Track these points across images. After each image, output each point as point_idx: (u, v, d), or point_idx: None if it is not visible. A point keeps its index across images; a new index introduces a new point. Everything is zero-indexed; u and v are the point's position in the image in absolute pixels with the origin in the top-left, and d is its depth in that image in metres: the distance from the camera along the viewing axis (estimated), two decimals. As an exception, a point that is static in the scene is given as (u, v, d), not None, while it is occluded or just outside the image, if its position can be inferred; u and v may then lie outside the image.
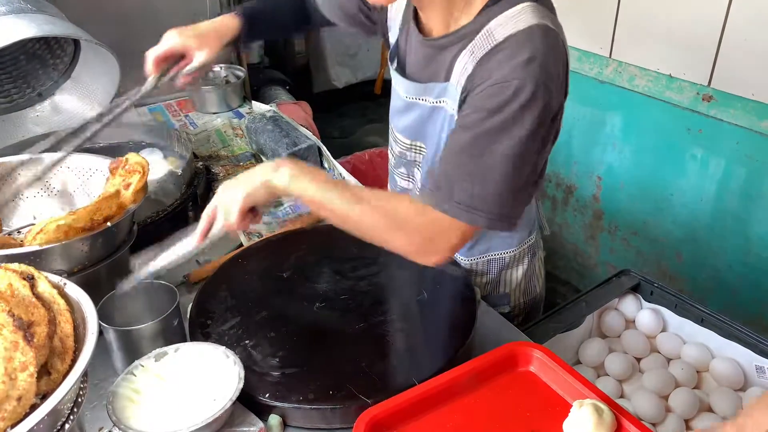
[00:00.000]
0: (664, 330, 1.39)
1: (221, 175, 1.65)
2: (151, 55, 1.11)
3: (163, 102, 2.11)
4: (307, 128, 1.80)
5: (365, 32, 1.19)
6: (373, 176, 2.39)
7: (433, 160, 1.05)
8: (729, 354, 1.29)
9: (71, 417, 0.68)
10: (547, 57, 0.82)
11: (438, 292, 1.12)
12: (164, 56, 1.11)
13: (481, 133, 0.82)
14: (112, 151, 1.57)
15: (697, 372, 1.29)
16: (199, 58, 1.10)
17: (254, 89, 2.35)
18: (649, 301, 1.42)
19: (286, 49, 3.34)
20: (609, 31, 2.07)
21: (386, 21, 1.10)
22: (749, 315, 1.87)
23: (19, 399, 0.63)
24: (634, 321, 1.42)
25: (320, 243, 1.27)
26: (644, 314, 1.40)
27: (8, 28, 1.34)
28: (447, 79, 0.93)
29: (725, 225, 1.90)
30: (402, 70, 1.04)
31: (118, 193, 1.05)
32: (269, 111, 1.92)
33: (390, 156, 1.18)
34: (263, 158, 1.74)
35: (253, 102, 2.08)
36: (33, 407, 0.63)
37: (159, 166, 1.44)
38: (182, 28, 1.10)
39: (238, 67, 2.19)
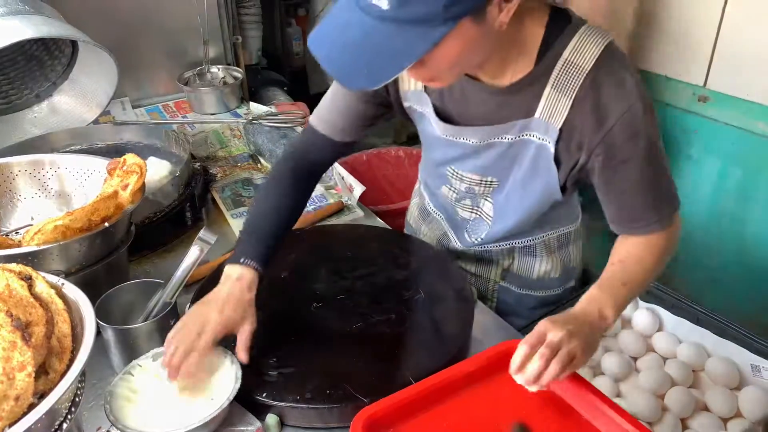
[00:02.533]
0: (660, 329, 1.39)
1: (219, 176, 1.65)
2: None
3: (160, 103, 2.12)
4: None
5: (388, 118, 1.17)
6: (371, 177, 2.39)
7: (508, 188, 1.09)
8: (725, 353, 1.29)
9: (69, 416, 0.68)
10: (628, 61, 0.94)
11: (435, 292, 1.12)
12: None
13: (640, 157, 0.94)
14: (110, 152, 1.58)
15: (693, 371, 1.29)
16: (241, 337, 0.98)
17: (252, 90, 2.35)
18: (646, 301, 1.43)
19: (284, 51, 3.33)
20: (605, 32, 2.07)
21: (398, 93, 1.10)
22: (745, 314, 1.87)
23: (17, 398, 0.63)
24: (630, 320, 1.42)
25: (317, 243, 1.28)
26: (640, 314, 1.40)
27: (6, 30, 1.34)
28: (530, 114, 0.97)
29: (721, 225, 1.91)
30: (462, 121, 1.05)
31: (115, 193, 1.05)
32: (267, 112, 1.93)
33: (447, 192, 1.19)
34: (261, 159, 1.75)
35: (250, 103, 2.08)
36: (31, 407, 0.63)
37: (156, 168, 1.44)
38: (211, 306, 0.96)
39: (236, 68, 2.20)
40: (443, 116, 1.05)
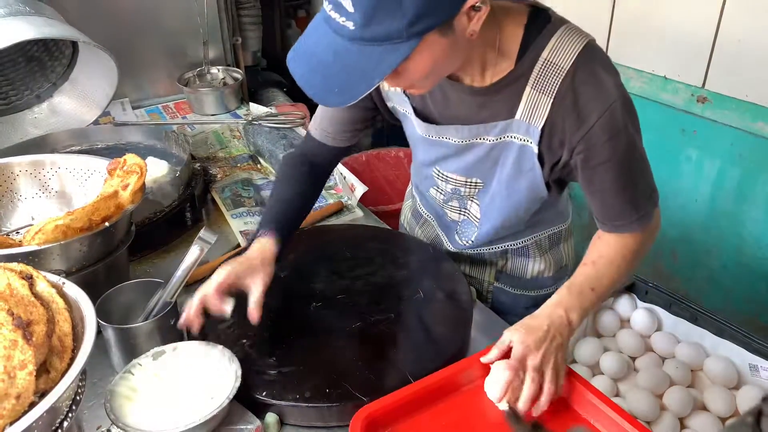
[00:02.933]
0: (658, 329, 1.40)
1: (219, 176, 1.66)
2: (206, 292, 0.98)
3: (160, 104, 2.12)
4: (304, 130, 1.81)
5: (380, 120, 1.22)
6: (370, 177, 2.39)
7: (493, 190, 1.09)
8: (723, 353, 1.30)
9: (69, 415, 0.69)
10: (609, 60, 0.93)
11: (434, 292, 1.13)
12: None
13: (619, 158, 0.94)
14: (110, 152, 1.58)
15: (692, 371, 1.30)
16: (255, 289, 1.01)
17: (252, 91, 2.36)
18: (644, 301, 1.43)
19: (284, 52, 3.34)
20: (604, 33, 2.08)
21: (380, 94, 1.12)
22: (743, 314, 1.87)
23: (18, 397, 0.63)
24: (628, 320, 1.43)
25: (317, 243, 1.28)
26: (639, 314, 1.40)
27: (6, 31, 1.35)
28: (511, 115, 0.96)
29: (720, 225, 1.91)
30: (443, 121, 1.05)
31: (116, 193, 1.06)
32: (266, 113, 1.93)
33: (435, 194, 1.19)
34: (261, 160, 1.75)
35: (250, 104, 2.08)
36: (32, 405, 0.64)
37: (156, 168, 1.44)
38: (231, 262, 1.01)
39: (236, 69, 2.20)
40: (424, 117, 1.06)
